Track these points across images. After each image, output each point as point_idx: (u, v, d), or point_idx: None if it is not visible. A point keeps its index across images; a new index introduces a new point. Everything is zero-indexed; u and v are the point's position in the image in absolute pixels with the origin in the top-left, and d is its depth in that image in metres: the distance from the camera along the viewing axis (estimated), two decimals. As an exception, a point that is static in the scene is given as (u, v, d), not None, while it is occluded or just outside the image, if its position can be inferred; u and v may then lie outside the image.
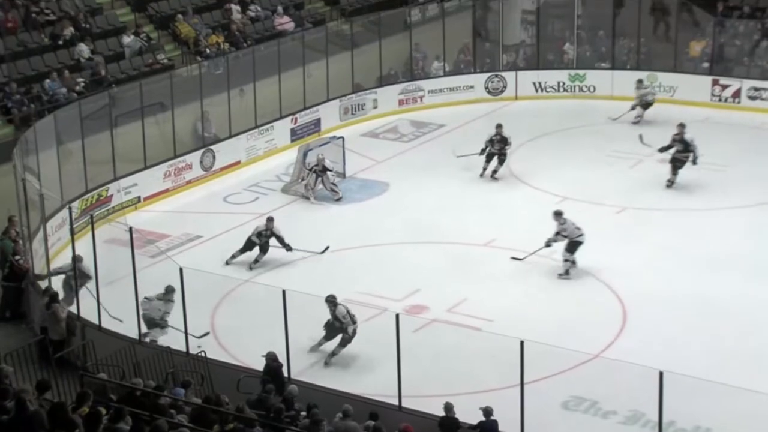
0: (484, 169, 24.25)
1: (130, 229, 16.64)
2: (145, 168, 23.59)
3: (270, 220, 20.57)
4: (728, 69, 29.16)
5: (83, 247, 17.77)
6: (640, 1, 30.47)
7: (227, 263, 20.35)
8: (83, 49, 25.57)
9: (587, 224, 21.55)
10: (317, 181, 23.51)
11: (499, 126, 24.36)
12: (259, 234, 20.39)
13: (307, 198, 23.43)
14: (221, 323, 17.99)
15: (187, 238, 21.75)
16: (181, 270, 15.77)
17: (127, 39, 26.53)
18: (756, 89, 28.23)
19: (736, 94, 28.36)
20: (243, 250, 20.44)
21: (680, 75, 29.09)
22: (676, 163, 23.27)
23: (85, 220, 20.38)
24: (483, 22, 31.49)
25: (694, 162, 23.13)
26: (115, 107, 23.48)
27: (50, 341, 16.36)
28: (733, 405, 14.52)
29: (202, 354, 15.80)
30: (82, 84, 24.61)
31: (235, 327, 17.91)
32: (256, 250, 20.42)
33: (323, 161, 23.50)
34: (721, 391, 14.31)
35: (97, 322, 16.92)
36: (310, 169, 23.50)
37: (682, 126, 23.45)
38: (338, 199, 23.29)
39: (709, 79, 28.71)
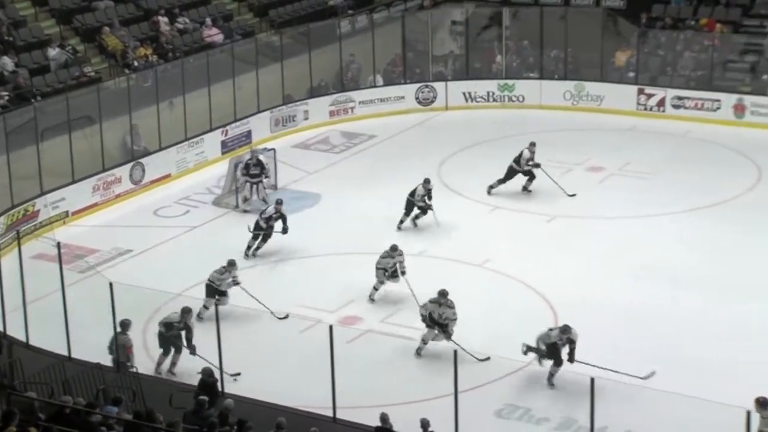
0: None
1: (58, 244, 16.40)
2: (73, 182, 23.26)
3: (279, 203, 21.18)
4: (653, 78, 29.66)
5: (10, 263, 17.44)
6: (566, 12, 30.85)
7: (247, 256, 20.68)
8: (7, 62, 25.10)
9: (519, 233, 21.84)
10: (252, 190, 23.38)
11: (253, 150, 24.47)
12: (268, 218, 20.87)
13: (243, 207, 23.27)
14: (153, 339, 17.77)
15: (117, 252, 21.48)
16: (111, 285, 15.58)
17: (53, 52, 26.13)
18: (680, 98, 28.71)
19: (661, 103, 28.83)
20: (258, 238, 20.86)
21: (607, 84, 29.51)
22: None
23: (11, 236, 20.01)
24: (412, 32, 31.62)
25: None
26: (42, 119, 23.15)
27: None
28: (665, 410, 14.71)
29: (134, 370, 15.60)
30: (6, 98, 24.19)
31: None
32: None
33: (257, 154, 23.63)
34: (653, 397, 14.55)
35: (24, 339, 16.62)
36: (245, 173, 23.40)
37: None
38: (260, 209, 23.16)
39: (634, 88, 29.15)
